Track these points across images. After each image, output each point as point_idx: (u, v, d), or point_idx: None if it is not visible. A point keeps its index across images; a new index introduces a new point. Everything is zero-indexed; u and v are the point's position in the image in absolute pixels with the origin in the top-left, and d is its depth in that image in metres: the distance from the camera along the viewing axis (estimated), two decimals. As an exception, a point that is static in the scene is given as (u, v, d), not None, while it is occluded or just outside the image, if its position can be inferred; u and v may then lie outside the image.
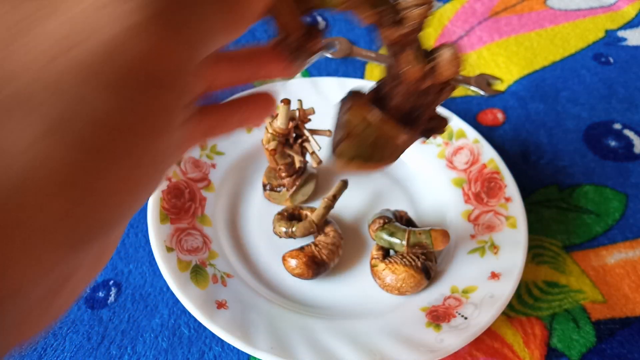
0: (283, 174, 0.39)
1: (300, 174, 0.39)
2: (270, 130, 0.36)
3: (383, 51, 0.54)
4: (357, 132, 0.23)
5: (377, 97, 0.24)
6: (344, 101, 0.24)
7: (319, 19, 0.57)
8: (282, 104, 0.33)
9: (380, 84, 0.24)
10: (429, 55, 0.23)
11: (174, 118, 0.13)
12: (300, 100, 0.36)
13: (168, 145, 0.13)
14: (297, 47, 0.23)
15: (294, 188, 0.39)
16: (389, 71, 0.23)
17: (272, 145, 0.36)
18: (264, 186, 0.40)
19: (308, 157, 0.40)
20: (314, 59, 0.27)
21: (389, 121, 0.23)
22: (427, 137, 0.26)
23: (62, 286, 0.13)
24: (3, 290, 0.11)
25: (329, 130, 0.37)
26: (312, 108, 0.36)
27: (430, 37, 0.56)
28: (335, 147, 0.24)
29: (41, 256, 0.11)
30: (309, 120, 0.37)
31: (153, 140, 0.13)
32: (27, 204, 0.11)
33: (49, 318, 0.14)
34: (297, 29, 0.23)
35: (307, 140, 0.37)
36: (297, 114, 0.36)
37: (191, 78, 0.13)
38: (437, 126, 0.26)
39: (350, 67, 0.52)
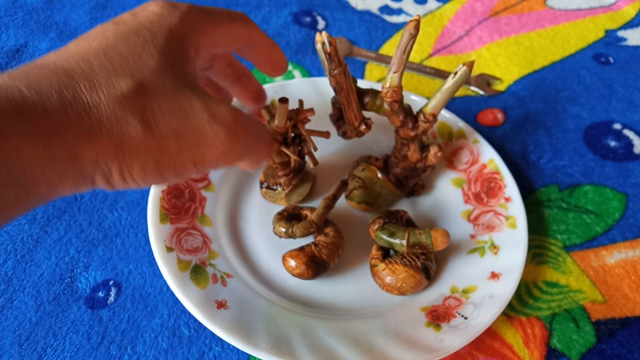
0: (280, 173, 0.39)
1: (297, 174, 0.39)
2: (268, 129, 0.36)
3: (383, 52, 0.54)
4: (368, 184, 0.39)
5: (384, 165, 0.40)
6: (358, 162, 0.41)
7: (319, 18, 0.57)
8: (280, 102, 0.33)
9: (386, 158, 0.40)
10: (424, 148, 0.37)
11: None
12: (301, 100, 0.36)
13: None
14: (355, 132, 0.35)
15: (290, 187, 0.39)
16: (394, 152, 0.38)
17: None
18: (261, 184, 0.40)
19: (307, 158, 0.40)
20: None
21: (389, 182, 0.39)
22: (409, 196, 0.41)
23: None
24: None
25: (328, 132, 0.37)
26: (312, 109, 0.36)
27: (430, 37, 0.56)
28: (350, 193, 0.40)
29: None
30: (309, 120, 0.37)
31: None
32: None
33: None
34: (358, 119, 0.35)
35: (304, 140, 0.37)
36: (295, 113, 0.36)
37: None
38: (418, 190, 0.41)
39: (350, 66, 0.52)
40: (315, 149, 0.37)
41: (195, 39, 0.25)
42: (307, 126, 0.37)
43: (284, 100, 0.33)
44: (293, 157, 0.37)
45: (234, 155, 0.25)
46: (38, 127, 0.19)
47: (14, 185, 0.18)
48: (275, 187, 0.39)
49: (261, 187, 0.40)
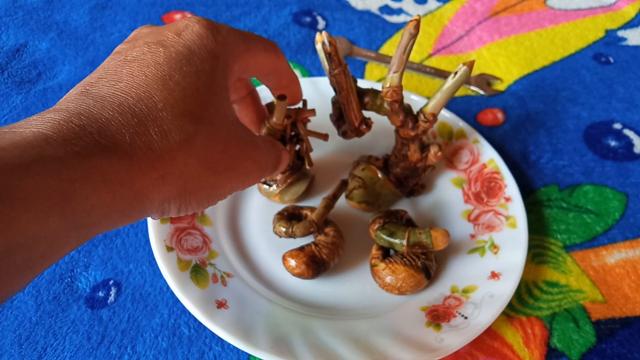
0: None
1: (294, 173, 0.39)
2: (267, 125, 0.36)
3: (383, 52, 0.54)
4: (368, 184, 0.39)
5: (384, 165, 0.40)
6: (358, 161, 0.41)
7: (319, 18, 0.57)
8: (279, 100, 0.33)
9: (386, 158, 0.40)
10: (424, 148, 0.37)
11: None
12: (305, 100, 0.36)
13: None
14: (355, 132, 0.35)
15: (284, 185, 0.39)
16: (394, 152, 0.38)
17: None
18: None
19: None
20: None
21: (390, 182, 0.39)
22: (409, 196, 0.41)
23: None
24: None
25: (326, 135, 0.37)
26: (314, 110, 0.36)
27: (430, 37, 0.56)
28: (350, 192, 0.40)
29: None
30: (309, 120, 0.37)
31: None
32: None
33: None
34: (359, 119, 0.35)
35: (302, 140, 0.37)
36: (295, 112, 0.36)
37: None
38: (418, 190, 0.41)
39: (350, 66, 0.52)
40: (311, 150, 0.37)
41: (231, 65, 0.25)
42: (308, 126, 0.37)
43: (282, 98, 0.33)
44: None
45: (260, 179, 0.27)
46: (109, 177, 0.19)
47: (76, 228, 0.18)
48: (270, 183, 0.39)
49: None
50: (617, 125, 0.48)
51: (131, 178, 0.20)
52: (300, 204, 0.40)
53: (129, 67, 0.22)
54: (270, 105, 0.35)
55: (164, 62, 0.22)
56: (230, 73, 0.26)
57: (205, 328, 0.34)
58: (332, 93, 0.44)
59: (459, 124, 0.43)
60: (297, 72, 0.51)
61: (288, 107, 0.35)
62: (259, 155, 0.27)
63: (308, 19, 0.57)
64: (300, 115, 0.36)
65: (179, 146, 0.21)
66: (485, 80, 0.52)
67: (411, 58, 0.54)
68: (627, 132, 0.48)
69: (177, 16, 0.56)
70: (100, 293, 0.35)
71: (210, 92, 0.23)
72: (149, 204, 0.21)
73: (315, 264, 0.34)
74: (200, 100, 0.22)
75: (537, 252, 0.39)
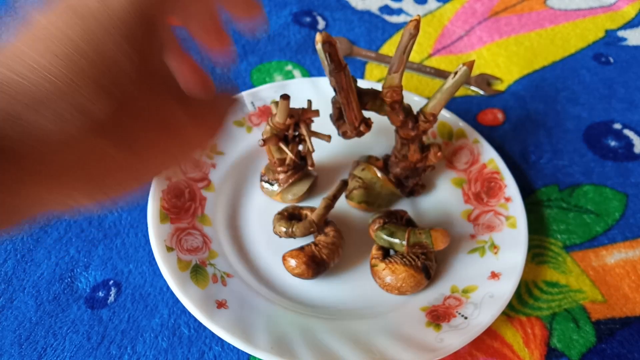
0: (278, 169, 0.39)
1: (296, 173, 0.39)
2: (270, 124, 0.36)
3: (383, 52, 0.54)
4: (368, 184, 0.39)
5: (384, 165, 0.40)
6: (358, 162, 0.41)
7: (319, 18, 0.57)
8: (281, 99, 0.33)
9: (386, 158, 0.40)
10: (424, 149, 0.37)
11: None
12: (309, 101, 0.36)
13: None
14: (355, 132, 0.35)
15: (286, 185, 0.39)
16: (394, 152, 0.39)
17: (265, 134, 0.36)
18: (262, 176, 0.40)
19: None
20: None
21: (389, 182, 0.39)
22: (409, 196, 0.41)
23: None
24: None
25: (329, 135, 0.37)
26: (318, 110, 0.36)
27: (430, 37, 0.56)
28: (350, 192, 0.40)
29: None
30: (312, 121, 0.37)
31: None
32: None
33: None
34: (358, 119, 0.34)
35: (304, 140, 0.37)
36: (299, 112, 0.36)
37: None
38: (417, 190, 0.41)
39: (350, 66, 0.52)
40: (312, 151, 0.37)
41: (168, 12, 0.21)
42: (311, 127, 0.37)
43: (285, 97, 0.33)
44: (289, 156, 0.37)
45: (192, 153, 0.23)
46: None
47: None
48: (272, 182, 0.40)
49: (261, 180, 0.40)
50: (617, 126, 0.48)
51: (21, 178, 0.17)
52: (300, 204, 0.40)
53: (34, 44, 0.19)
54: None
55: (77, 37, 0.18)
56: (170, 23, 0.22)
57: (205, 328, 0.34)
58: (332, 93, 0.44)
59: (459, 124, 0.43)
60: (296, 73, 0.51)
61: (292, 107, 0.35)
62: (201, 130, 0.22)
63: (308, 19, 0.57)
64: (303, 116, 0.36)
65: (86, 131, 0.18)
66: (485, 80, 0.52)
67: (411, 58, 0.54)
68: (627, 132, 0.48)
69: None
70: (100, 293, 0.35)
71: (131, 62, 0.19)
72: (50, 203, 0.18)
73: (315, 264, 0.34)
74: (117, 75, 0.19)
75: (537, 252, 0.39)
